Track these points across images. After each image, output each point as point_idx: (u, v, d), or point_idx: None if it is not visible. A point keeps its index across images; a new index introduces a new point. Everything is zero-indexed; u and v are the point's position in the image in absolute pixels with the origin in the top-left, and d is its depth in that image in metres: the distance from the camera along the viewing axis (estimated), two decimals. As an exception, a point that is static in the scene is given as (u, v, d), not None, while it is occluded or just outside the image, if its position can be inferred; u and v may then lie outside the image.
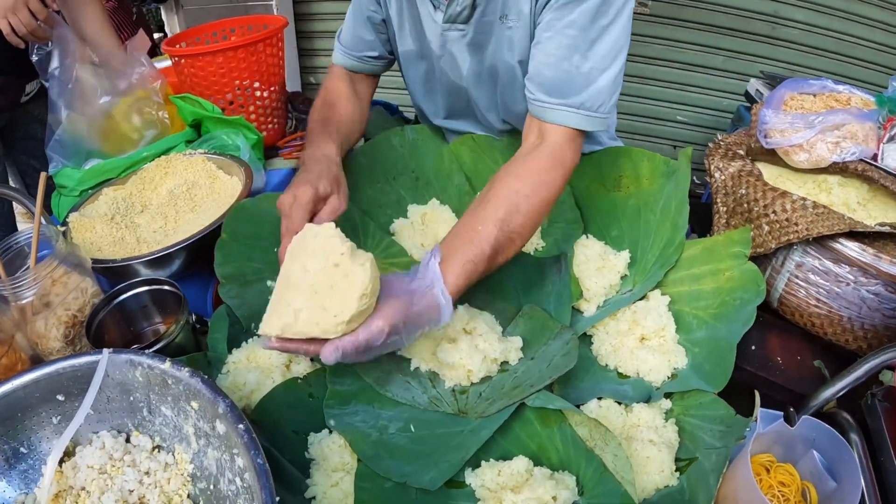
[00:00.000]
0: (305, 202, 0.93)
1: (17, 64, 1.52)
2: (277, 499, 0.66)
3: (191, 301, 1.12)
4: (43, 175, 1.00)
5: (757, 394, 0.80)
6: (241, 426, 0.72)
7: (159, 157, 1.25)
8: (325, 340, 0.79)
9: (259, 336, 0.91)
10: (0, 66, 1.54)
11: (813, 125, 1.21)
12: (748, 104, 1.55)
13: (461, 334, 0.94)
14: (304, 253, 0.81)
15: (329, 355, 0.79)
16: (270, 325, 0.80)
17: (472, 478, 0.83)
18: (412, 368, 0.95)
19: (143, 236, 1.15)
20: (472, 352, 0.90)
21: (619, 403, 0.90)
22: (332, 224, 0.82)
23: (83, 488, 0.79)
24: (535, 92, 0.98)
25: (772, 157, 1.23)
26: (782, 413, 0.81)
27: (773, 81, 1.44)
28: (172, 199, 1.18)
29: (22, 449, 0.82)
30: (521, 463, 0.82)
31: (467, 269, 0.86)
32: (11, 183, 1.81)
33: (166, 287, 1.02)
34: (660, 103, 2.59)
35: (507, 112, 1.22)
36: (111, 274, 1.11)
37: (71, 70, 1.29)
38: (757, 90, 1.48)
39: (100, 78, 1.31)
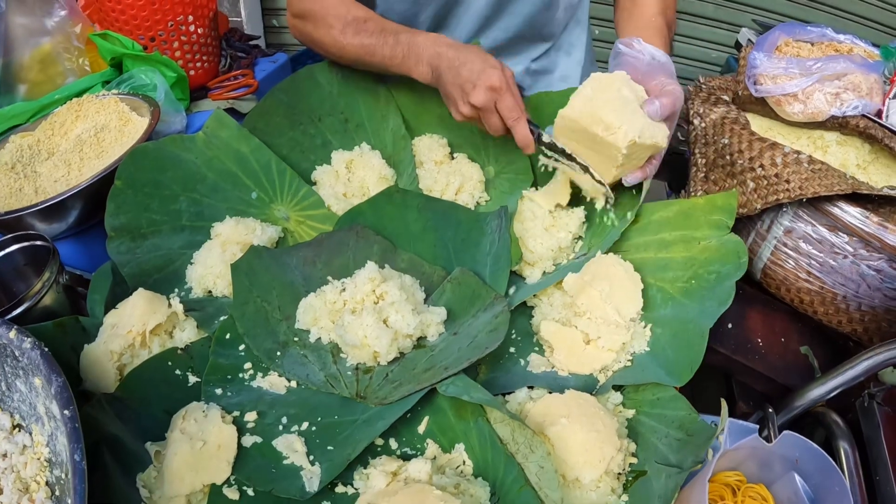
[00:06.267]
0: (508, 86, 0.76)
1: None
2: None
3: (96, 260, 0.86)
4: None
5: (724, 404, 0.53)
6: (66, 412, 0.53)
7: (72, 99, 0.98)
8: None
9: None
10: None
11: (810, 72, 0.91)
12: (738, 55, 1.24)
13: (369, 301, 0.68)
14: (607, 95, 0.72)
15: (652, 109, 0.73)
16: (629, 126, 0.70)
17: (360, 480, 0.58)
18: (313, 340, 0.69)
19: (43, 186, 0.89)
20: (380, 329, 0.64)
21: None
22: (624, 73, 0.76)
23: (-67, 476, 0.59)
24: None
25: (761, 107, 0.94)
26: (757, 427, 0.54)
27: (765, 31, 1.13)
28: (79, 144, 0.91)
29: None
30: (420, 466, 0.57)
31: (665, 48, 0.85)
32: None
33: (39, 242, 0.76)
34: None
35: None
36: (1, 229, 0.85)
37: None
38: (749, 40, 1.18)
39: (32, 17, 1.03)
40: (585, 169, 0.73)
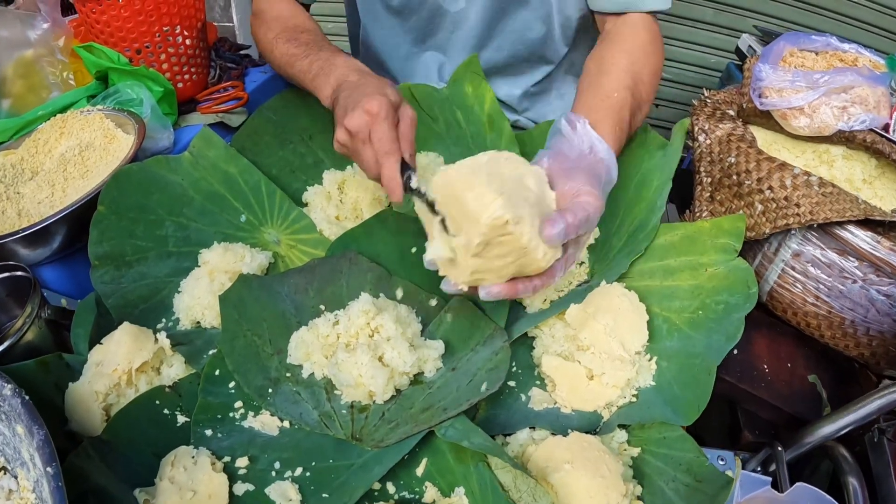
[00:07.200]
0: (387, 115, 0.67)
1: None
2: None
3: (81, 285, 0.82)
4: None
5: (738, 461, 0.50)
6: (49, 469, 0.50)
7: (56, 115, 0.93)
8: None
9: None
10: None
11: (817, 85, 0.87)
12: (739, 62, 1.20)
13: (363, 335, 0.64)
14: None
15: (555, 233, 0.55)
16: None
17: (357, 532, 0.55)
18: (305, 376, 0.65)
19: (26, 209, 0.84)
20: (375, 368, 0.60)
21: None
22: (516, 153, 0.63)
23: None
24: None
25: (766, 120, 0.90)
26: (770, 479, 0.52)
27: (767, 38, 1.09)
28: (63, 163, 0.87)
29: None
30: (420, 517, 0.54)
31: (617, 136, 0.71)
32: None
33: (20, 273, 0.73)
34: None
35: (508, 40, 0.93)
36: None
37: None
38: (749, 46, 1.13)
39: (13, 30, 0.98)
40: (443, 225, 0.57)
